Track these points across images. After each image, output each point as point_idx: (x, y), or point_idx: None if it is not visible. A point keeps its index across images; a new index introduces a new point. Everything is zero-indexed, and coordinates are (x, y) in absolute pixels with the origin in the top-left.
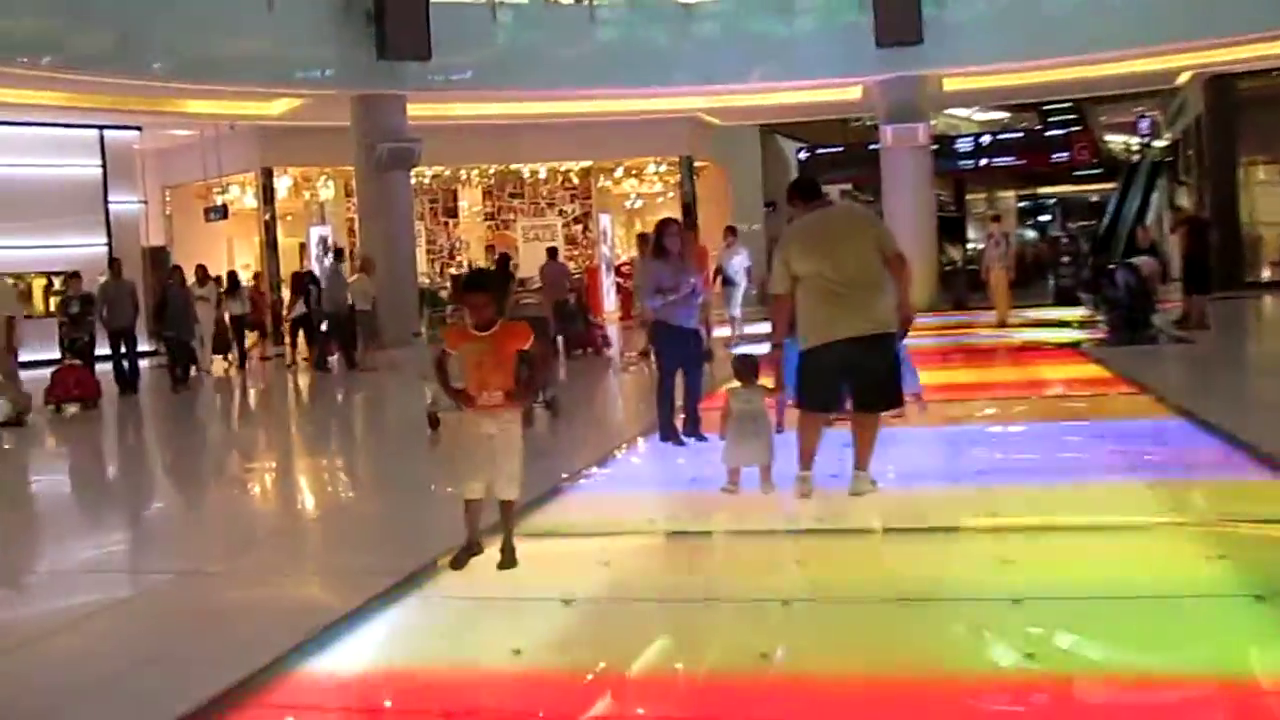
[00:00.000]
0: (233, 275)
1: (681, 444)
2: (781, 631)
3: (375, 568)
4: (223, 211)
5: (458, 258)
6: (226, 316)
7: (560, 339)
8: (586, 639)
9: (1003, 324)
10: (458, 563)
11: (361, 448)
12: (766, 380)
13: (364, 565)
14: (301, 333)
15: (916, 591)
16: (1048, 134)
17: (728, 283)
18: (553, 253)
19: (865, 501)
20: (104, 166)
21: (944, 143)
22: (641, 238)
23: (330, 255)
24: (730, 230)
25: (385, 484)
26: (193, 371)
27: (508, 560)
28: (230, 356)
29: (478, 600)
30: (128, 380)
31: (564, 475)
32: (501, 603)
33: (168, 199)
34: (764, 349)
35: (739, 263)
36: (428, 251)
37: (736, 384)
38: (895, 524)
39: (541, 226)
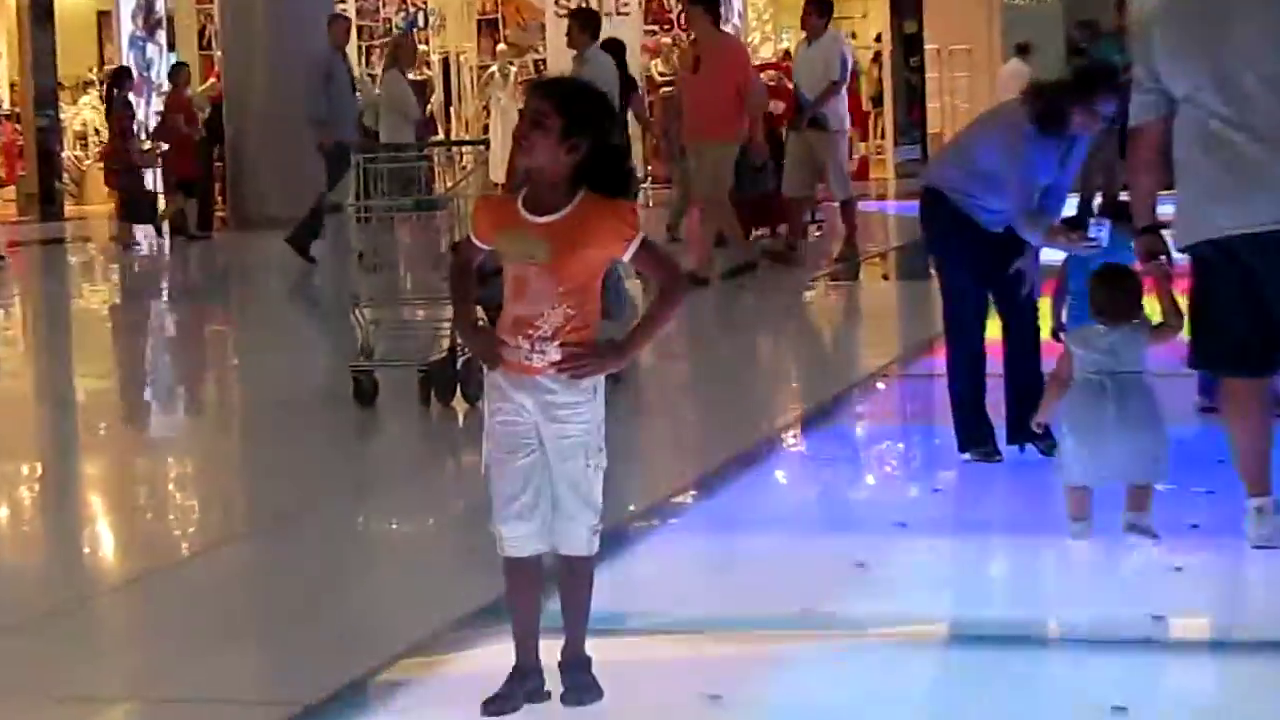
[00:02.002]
0: None
1: (994, 454)
2: None
3: (237, 690)
4: None
5: (422, 47)
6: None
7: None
8: None
9: None
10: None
11: (235, 439)
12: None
13: (214, 683)
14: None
15: None
16: None
17: (814, 123)
18: None
19: None
20: None
21: None
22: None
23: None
24: (812, 6)
25: (276, 516)
26: None
27: (578, 687)
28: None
29: None
30: None
31: (630, 509)
32: None
33: None
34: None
35: (822, 70)
36: (359, 34)
37: (1088, 325)
38: None
39: None
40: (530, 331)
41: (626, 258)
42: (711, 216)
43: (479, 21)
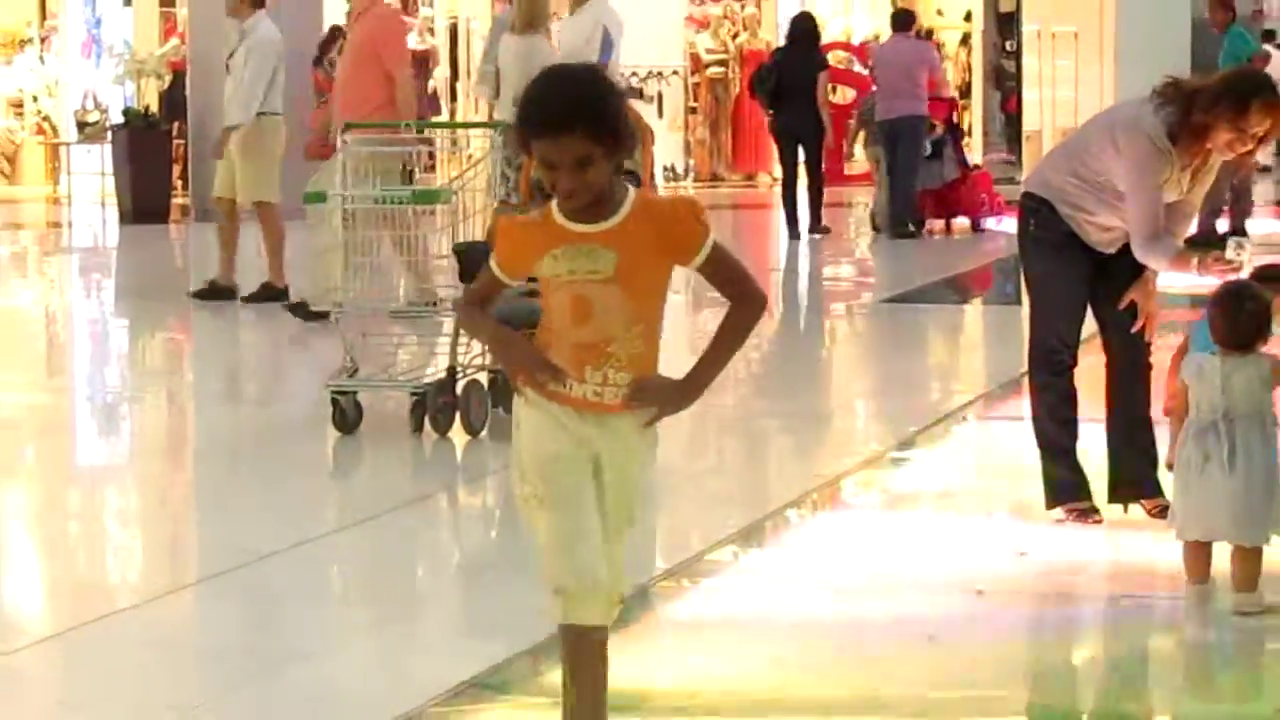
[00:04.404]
0: None
1: (1091, 512)
2: None
3: None
4: None
5: (426, 11)
6: None
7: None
8: None
9: None
10: None
11: (188, 471)
12: None
13: None
14: None
15: None
16: None
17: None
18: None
19: None
20: None
21: None
22: None
23: None
24: None
25: (231, 563)
26: None
27: None
28: None
29: None
30: None
31: (657, 567)
32: None
33: None
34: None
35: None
36: None
37: (1207, 354)
38: None
39: None
40: (600, 361)
41: (694, 265)
42: None
43: None
